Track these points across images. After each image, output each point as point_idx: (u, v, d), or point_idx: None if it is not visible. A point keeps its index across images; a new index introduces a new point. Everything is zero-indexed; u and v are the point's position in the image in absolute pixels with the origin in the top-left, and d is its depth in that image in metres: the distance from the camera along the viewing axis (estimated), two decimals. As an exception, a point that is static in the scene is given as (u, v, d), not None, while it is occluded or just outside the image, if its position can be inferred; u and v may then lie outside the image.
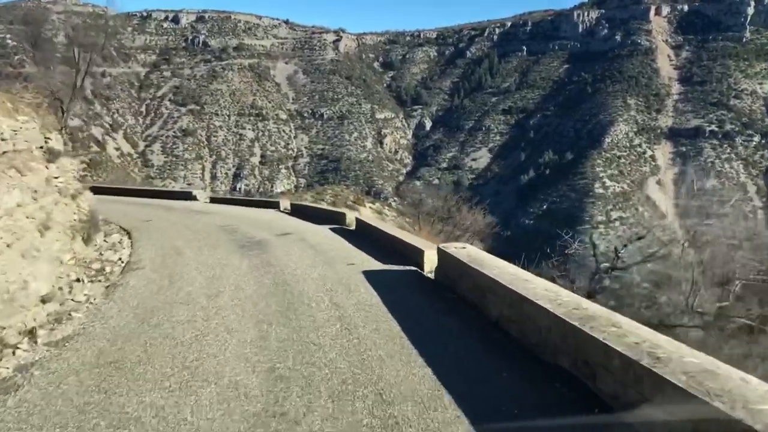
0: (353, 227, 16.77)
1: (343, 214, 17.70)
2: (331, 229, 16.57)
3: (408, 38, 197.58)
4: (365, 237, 14.60)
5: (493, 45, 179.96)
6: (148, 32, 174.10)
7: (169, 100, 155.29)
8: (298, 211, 21.54)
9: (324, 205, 30.78)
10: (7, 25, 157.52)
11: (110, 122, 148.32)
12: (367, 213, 53.68)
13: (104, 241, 13.15)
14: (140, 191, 29.45)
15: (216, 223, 17.15)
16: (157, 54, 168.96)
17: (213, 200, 27.06)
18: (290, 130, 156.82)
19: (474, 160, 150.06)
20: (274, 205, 23.85)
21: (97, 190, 25.97)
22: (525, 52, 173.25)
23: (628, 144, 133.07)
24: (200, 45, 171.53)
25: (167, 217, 18.58)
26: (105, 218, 15.78)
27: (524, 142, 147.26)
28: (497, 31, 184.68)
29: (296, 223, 17.95)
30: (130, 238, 14.03)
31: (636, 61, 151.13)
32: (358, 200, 56.86)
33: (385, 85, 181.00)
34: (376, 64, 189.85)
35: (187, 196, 26.31)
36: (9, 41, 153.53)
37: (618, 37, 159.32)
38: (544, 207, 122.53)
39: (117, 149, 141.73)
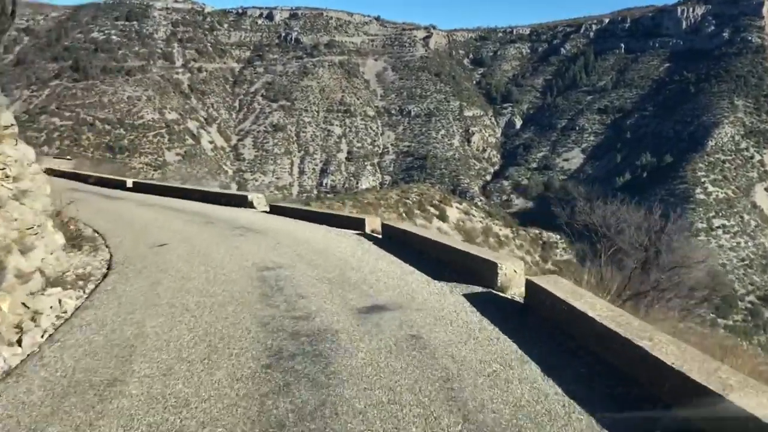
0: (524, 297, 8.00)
1: (494, 264, 8.65)
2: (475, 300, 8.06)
3: (500, 35, 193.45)
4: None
5: (589, 42, 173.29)
6: (243, 29, 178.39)
7: (261, 95, 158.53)
8: (396, 241, 12.60)
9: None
10: (112, 21, 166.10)
11: (205, 116, 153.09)
12: (454, 214, 51.98)
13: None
14: (190, 192, 24.50)
15: (256, 261, 10.42)
16: (251, 50, 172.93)
17: (274, 209, 19.88)
18: (377, 127, 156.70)
19: (566, 160, 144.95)
20: (358, 225, 14.93)
21: (144, 188, 24.49)
22: (623, 50, 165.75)
23: (733, 147, 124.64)
24: (292, 42, 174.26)
25: (194, 239, 12.63)
26: (104, 233, 12.48)
27: (620, 143, 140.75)
28: (594, 27, 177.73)
29: (404, 275, 9.49)
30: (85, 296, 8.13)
31: (745, 59, 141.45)
32: (445, 200, 55.20)
33: (474, 82, 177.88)
34: (466, 61, 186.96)
35: (242, 202, 21.11)
36: (114, 37, 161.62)
37: (726, 34, 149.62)
38: (641, 212, 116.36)
39: (211, 143, 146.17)
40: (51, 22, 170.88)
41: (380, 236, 13.63)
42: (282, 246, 11.98)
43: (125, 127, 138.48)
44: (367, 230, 14.43)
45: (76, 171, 27.69)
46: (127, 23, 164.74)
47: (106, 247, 11.34)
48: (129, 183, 24.09)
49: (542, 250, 55.30)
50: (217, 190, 23.66)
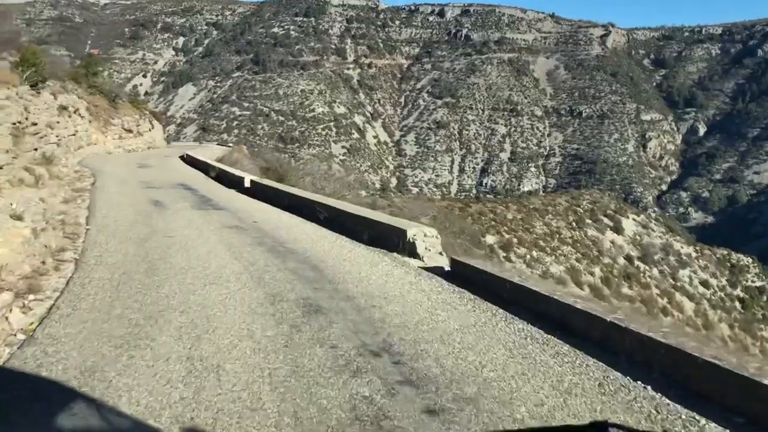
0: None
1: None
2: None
3: (686, 34, 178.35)
4: None
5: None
6: (414, 25, 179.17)
7: (427, 92, 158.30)
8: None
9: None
10: (292, 16, 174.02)
11: (371, 111, 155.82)
12: (630, 226, 47.13)
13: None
14: (317, 206, 14.78)
15: None
16: (420, 47, 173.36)
17: (459, 265, 9.63)
18: (544, 127, 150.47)
19: (757, 173, 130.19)
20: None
21: (262, 192, 18.71)
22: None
23: None
24: (462, 38, 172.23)
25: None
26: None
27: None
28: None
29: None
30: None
31: None
32: (620, 210, 50.35)
33: (654, 84, 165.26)
34: (646, 61, 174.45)
35: (398, 239, 11.11)
36: (292, 32, 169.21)
37: None
38: None
39: (375, 137, 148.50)
40: (237, 17, 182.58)
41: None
42: None
43: (297, 119, 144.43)
44: None
45: (207, 161, 27.64)
46: (305, 19, 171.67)
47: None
48: (247, 182, 20.49)
49: (730, 273, 48.83)
50: (360, 211, 13.29)
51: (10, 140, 14.56)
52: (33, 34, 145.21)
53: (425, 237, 10.93)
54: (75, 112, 31.39)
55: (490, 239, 32.35)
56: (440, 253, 10.98)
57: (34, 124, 20.53)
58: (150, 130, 49.52)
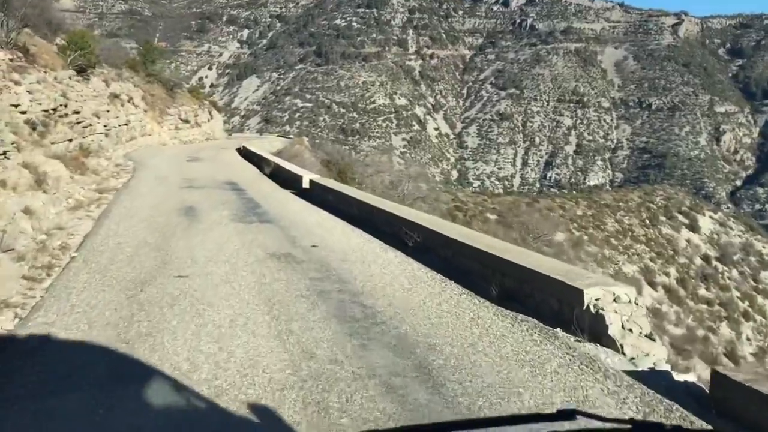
0: None
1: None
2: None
3: (766, 22, 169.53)
4: None
5: None
6: (478, 15, 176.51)
7: (490, 83, 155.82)
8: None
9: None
10: (354, 8, 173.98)
11: (433, 103, 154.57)
12: (706, 224, 44.85)
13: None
14: (403, 223, 10.97)
15: None
16: (483, 37, 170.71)
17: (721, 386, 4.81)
18: (611, 120, 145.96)
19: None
20: None
21: (325, 195, 15.97)
22: None
23: None
24: (527, 28, 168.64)
25: None
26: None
27: None
28: None
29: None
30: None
31: None
32: (695, 207, 48.01)
33: (730, 74, 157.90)
34: (721, 51, 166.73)
35: (559, 302, 6.78)
36: (354, 24, 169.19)
37: None
38: None
39: (436, 129, 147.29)
40: (300, 9, 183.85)
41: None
42: None
43: (358, 111, 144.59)
44: None
45: (262, 154, 26.33)
46: (367, 10, 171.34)
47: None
48: (305, 182, 17.42)
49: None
50: (481, 241, 9.13)
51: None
52: (104, 27, 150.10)
53: (618, 304, 6.21)
54: (129, 101, 30.46)
55: (559, 236, 31.13)
56: (649, 337, 6.25)
57: (77, 112, 19.24)
58: (208, 120, 48.25)
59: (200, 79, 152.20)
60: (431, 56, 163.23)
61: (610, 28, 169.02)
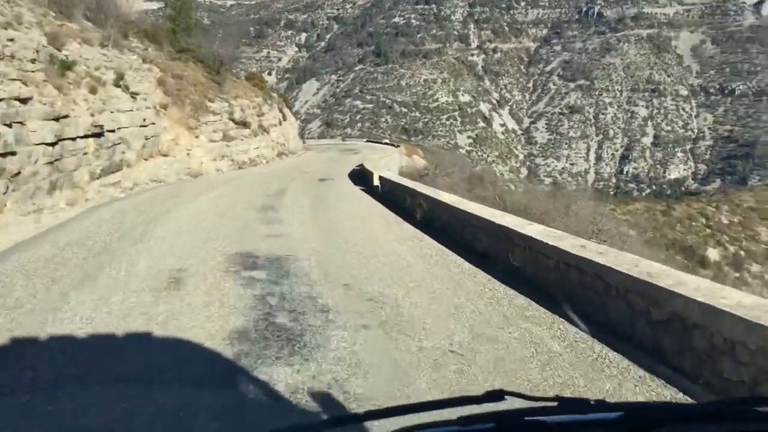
0: None
1: None
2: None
3: None
4: None
5: None
6: (541, 6, 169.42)
7: (558, 75, 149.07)
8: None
9: None
10: (413, 5, 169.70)
11: (497, 98, 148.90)
12: None
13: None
14: None
15: None
16: (548, 28, 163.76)
17: None
18: (691, 108, 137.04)
19: None
20: None
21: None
22: None
23: None
24: (594, 16, 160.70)
25: None
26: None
27: None
28: None
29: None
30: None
31: None
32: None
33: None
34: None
35: None
36: (413, 21, 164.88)
37: None
38: None
39: (502, 125, 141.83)
40: (357, 10, 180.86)
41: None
42: None
43: (420, 110, 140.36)
44: None
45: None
46: (426, 6, 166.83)
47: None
48: (375, 181, 13.75)
49: None
50: None
51: None
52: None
53: None
54: (122, 87, 17.57)
55: (712, 254, 25.47)
56: None
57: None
58: (280, 123, 34.35)
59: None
60: (494, 50, 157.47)
61: (684, 12, 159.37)
